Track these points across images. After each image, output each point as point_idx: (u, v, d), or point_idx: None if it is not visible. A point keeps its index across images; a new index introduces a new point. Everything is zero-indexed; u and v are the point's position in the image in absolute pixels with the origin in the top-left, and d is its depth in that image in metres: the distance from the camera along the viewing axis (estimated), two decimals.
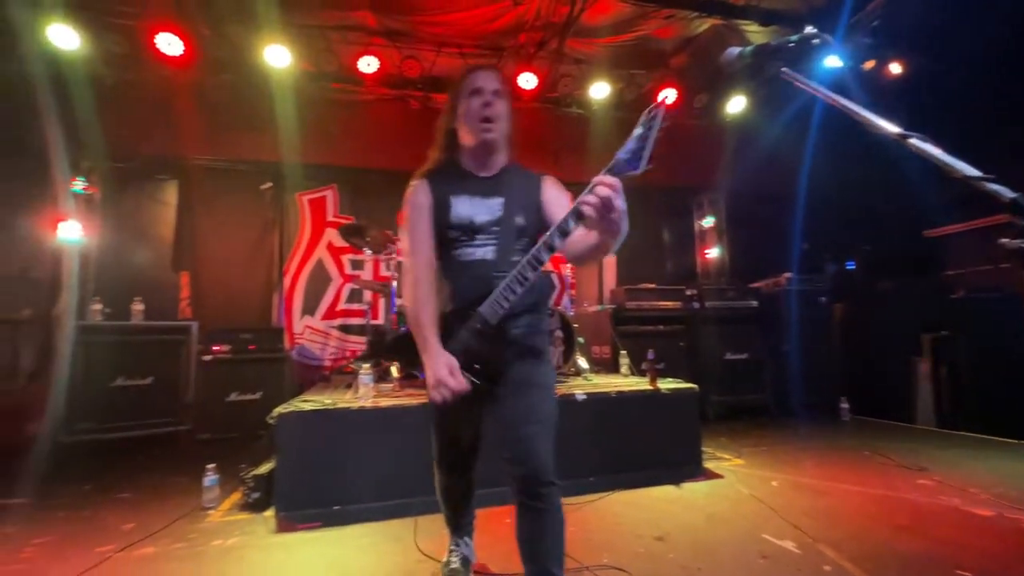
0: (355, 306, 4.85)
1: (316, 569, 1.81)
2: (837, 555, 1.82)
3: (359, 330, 4.74)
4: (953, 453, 3.21)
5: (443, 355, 1.24)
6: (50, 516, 2.33)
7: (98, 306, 3.67)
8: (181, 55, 3.88)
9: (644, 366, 3.16)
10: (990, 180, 0.66)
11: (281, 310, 4.65)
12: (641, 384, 3.00)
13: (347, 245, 4.20)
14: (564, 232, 1.11)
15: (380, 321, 4.31)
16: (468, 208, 1.36)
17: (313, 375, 4.48)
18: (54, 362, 3.42)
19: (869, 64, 4.54)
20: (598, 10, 3.99)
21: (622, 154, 1.04)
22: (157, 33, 3.78)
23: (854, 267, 5.52)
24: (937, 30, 4.20)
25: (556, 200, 1.40)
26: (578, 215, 1.07)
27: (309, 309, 4.78)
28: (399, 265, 3.34)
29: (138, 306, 3.79)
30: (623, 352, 3.76)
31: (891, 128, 0.81)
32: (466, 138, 1.41)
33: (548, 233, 1.15)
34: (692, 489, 2.63)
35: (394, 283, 3.34)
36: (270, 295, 4.68)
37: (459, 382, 1.21)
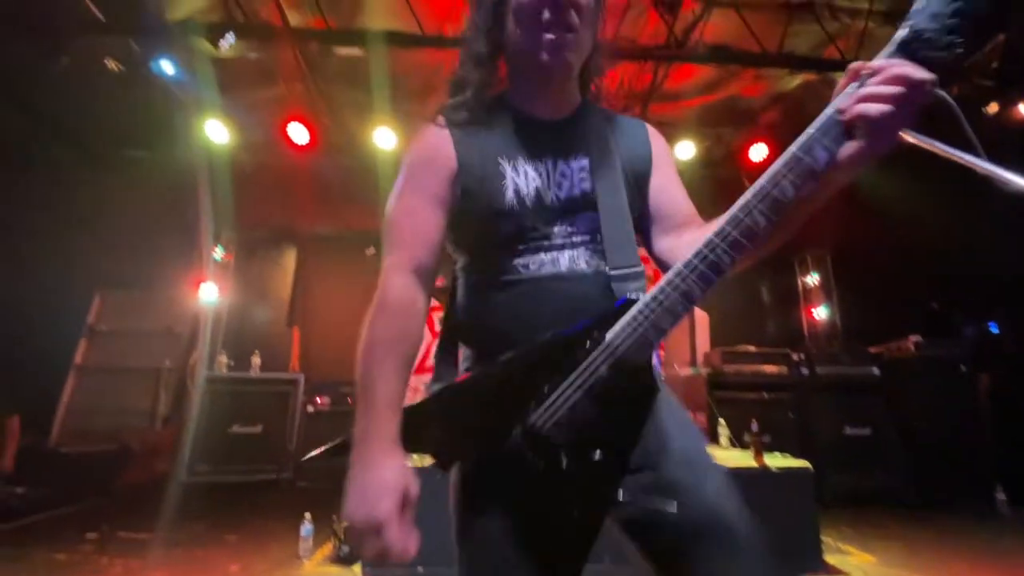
0: None
1: None
2: None
3: None
4: None
5: (393, 460, 0.69)
6: (169, 553, 2.55)
7: (224, 359, 4.13)
8: (307, 143, 4.49)
9: (747, 438, 2.90)
10: None
11: None
12: (745, 459, 2.73)
13: (438, 304, 4.41)
14: (812, 173, 0.64)
15: None
16: (532, 179, 0.82)
17: None
18: (186, 408, 3.85)
19: (992, 108, 4.13)
20: (682, 75, 4.07)
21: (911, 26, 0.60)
22: (289, 123, 4.43)
23: (998, 330, 4.78)
24: None
25: (668, 170, 0.90)
26: (845, 131, 0.63)
27: None
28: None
29: (256, 359, 4.21)
30: (721, 421, 3.49)
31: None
32: (520, 57, 0.85)
33: (776, 181, 0.64)
34: None
35: None
36: None
37: (406, 534, 0.68)
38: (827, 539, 2.85)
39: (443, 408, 0.78)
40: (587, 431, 0.69)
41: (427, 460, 0.78)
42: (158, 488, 3.53)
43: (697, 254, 0.65)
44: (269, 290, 5.16)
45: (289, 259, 5.26)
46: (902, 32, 0.60)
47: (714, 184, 5.01)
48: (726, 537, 0.70)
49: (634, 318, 0.68)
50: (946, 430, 3.94)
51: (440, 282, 0.90)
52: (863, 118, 0.61)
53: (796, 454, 2.86)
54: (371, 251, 4.91)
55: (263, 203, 4.97)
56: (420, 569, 2.20)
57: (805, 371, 4.40)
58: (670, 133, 4.94)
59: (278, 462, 3.91)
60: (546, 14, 0.77)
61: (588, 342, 0.71)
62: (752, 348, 4.57)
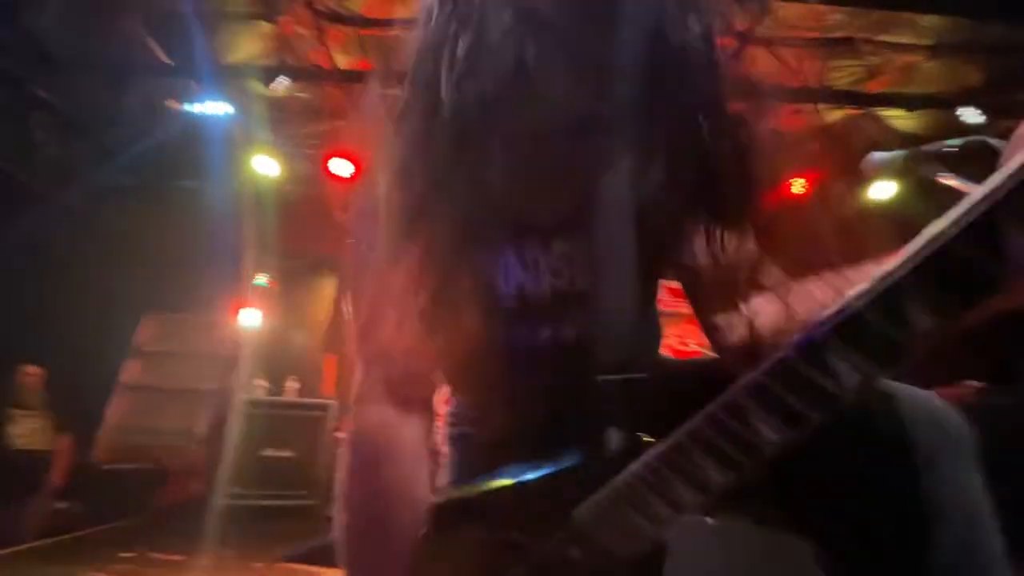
0: None
1: None
2: None
3: None
4: None
5: None
6: None
7: (262, 382, 4.24)
8: (350, 176, 4.67)
9: None
10: None
11: None
12: None
13: None
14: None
15: None
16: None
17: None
18: (223, 430, 3.95)
19: None
20: None
21: None
22: (332, 158, 4.63)
23: None
24: None
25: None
26: None
27: None
28: None
29: (292, 384, 4.30)
30: None
31: None
32: None
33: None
34: None
35: None
36: None
37: None
38: None
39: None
40: None
41: None
42: (192, 509, 3.59)
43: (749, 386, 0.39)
44: (308, 316, 5.31)
45: (328, 287, 5.42)
46: None
47: None
48: None
49: (616, 492, 0.45)
50: (1008, 487, 3.61)
51: None
52: None
53: None
54: None
55: (306, 233, 5.16)
56: None
57: None
58: None
59: (307, 488, 3.93)
60: None
61: (549, 506, 0.48)
62: None
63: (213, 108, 3.80)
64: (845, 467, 0.45)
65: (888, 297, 0.33)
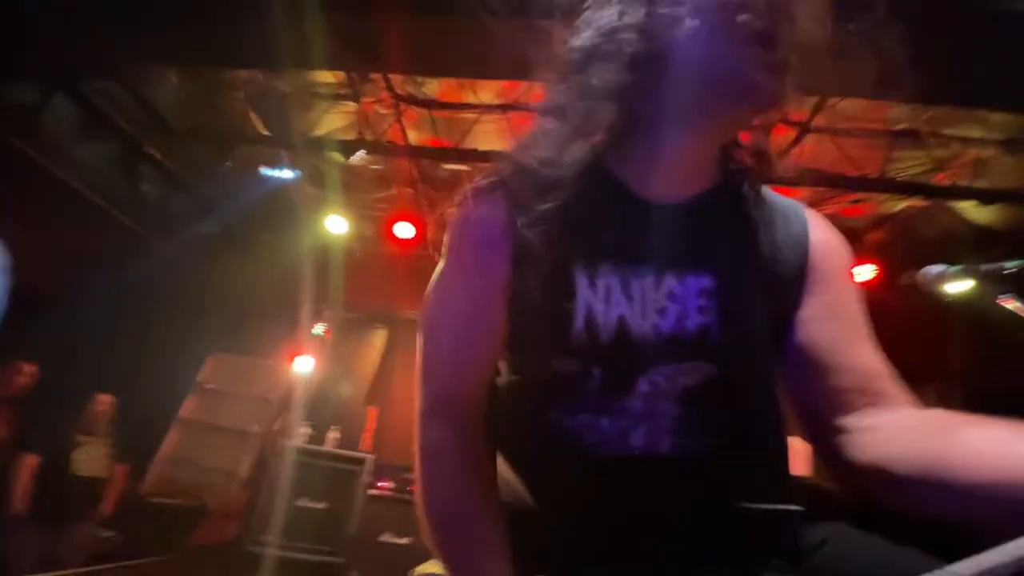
0: None
1: None
2: None
3: None
4: None
5: None
6: None
7: (306, 430, 4.34)
8: (411, 238, 4.96)
9: None
10: None
11: None
12: None
13: None
14: None
15: None
16: (618, 302, 0.55)
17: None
18: (264, 475, 4.03)
19: None
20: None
21: None
22: (397, 221, 4.94)
23: None
24: None
25: (834, 295, 0.58)
26: None
27: None
28: None
29: (334, 434, 4.38)
30: None
31: None
32: (695, 78, 0.52)
33: None
34: None
35: None
36: None
37: None
38: None
39: None
40: None
41: None
42: (224, 552, 3.63)
43: None
44: (355, 367, 5.46)
45: (379, 338, 5.60)
46: None
47: None
48: None
49: None
50: None
51: None
52: None
53: None
54: None
55: (367, 288, 5.44)
56: None
57: None
58: None
59: (334, 544, 3.89)
60: (756, 22, 0.47)
61: None
62: None
63: (297, 173, 4.22)
64: None
65: None
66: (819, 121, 3.33)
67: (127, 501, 3.80)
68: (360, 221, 5.08)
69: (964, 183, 3.60)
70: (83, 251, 4.17)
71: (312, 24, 2.67)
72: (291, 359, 4.95)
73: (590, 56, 0.54)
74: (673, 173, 0.57)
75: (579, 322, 0.53)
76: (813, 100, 3.12)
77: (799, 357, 0.56)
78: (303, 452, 4.11)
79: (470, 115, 3.68)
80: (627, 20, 0.52)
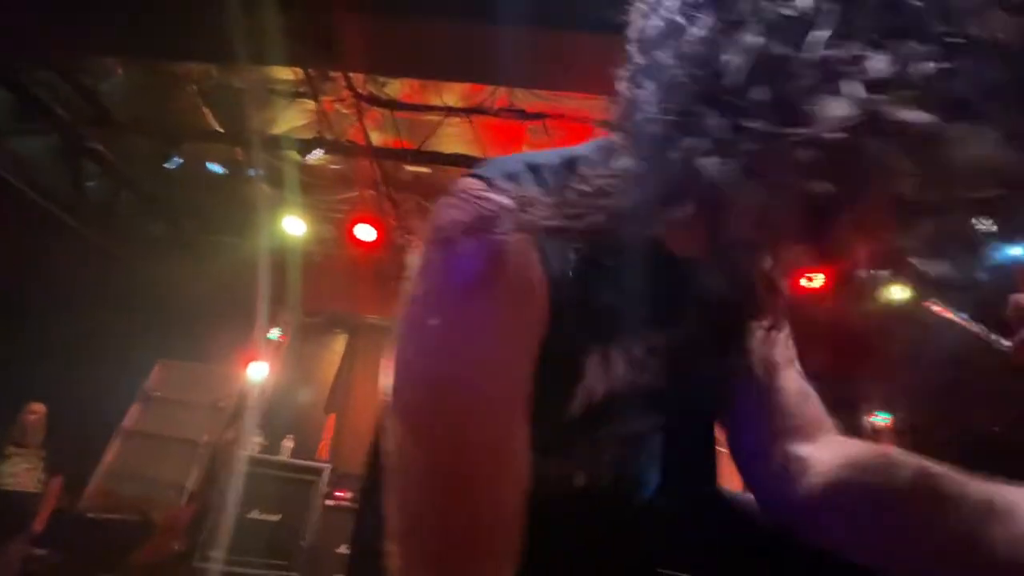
0: None
1: None
2: None
3: None
4: None
5: None
6: None
7: (258, 439, 4.18)
8: (372, 240, 4.85)
9: None
10: None
11: None
12: None
13: None
14: None
15: None
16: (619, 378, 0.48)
17: None
18: (214, 487, 3.86)
19: None
20: None
21: None
22: (358, 223, 4.83)
23: None
24: None
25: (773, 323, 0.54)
26: None
27: None
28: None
29: (288, 443, 4.23)
30: None
31: None
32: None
33: None
34: None
35: None
36: None
37: None
38: None
39: None
40: None
41: None
42: (170, 569, 3.45)
43: None
44: (314, 373, 5.30)
45: (339, 343, 5.45)
46: None
47: None
48: None
49: None
50: None
51: None
52: None
53: None
54: None
55: (326, 292, 5.30)
56: None
57: None
58: None
59: (288, 558, 3.76)
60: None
61: None
62: None
63: (253, 171, 4.06)
64: None
65: None
66: None
67: (63, 517, 3.58)
68: (320, 223, 4.95)
69: None
70: (19, 250, 3.90)
71: (267, 19, 2.59)
72: (245, 365, 4.76)
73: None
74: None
75: (576, 403, 0.45)
76: None
77: (734, 385, 0.55)
78: (256, 462, 3.96)
79: (435, 117, 3.63)
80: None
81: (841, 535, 0.44)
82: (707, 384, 0.52)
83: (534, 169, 0.47)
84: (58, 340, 4.04)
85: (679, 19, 0.36)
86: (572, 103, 3.32)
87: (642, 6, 0.41)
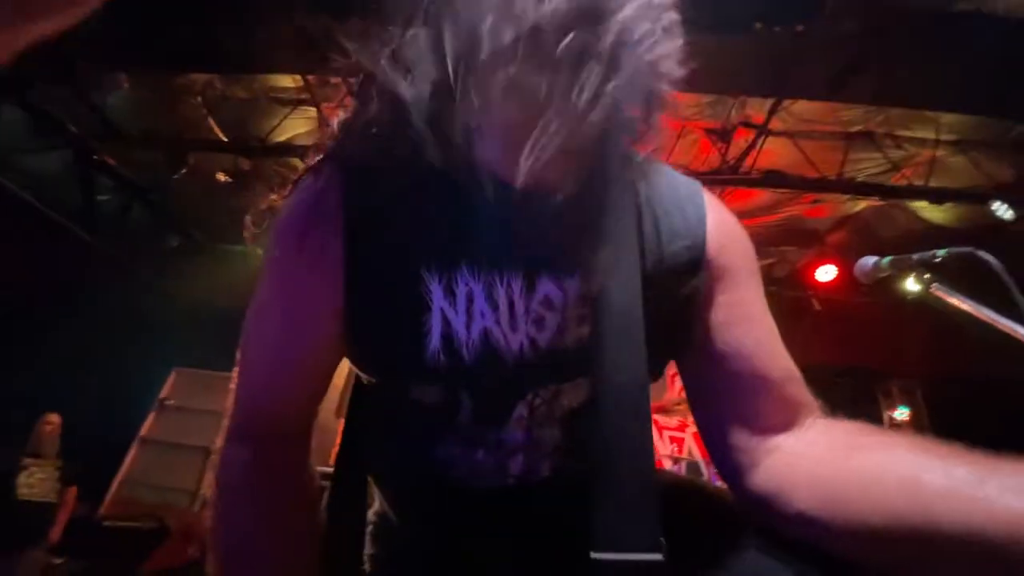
0: None
1: None
2: None
3: None
4: None
5: None
6: None
7: None
8: None
9: None
10: None
11: None
12: None
13: None
14: None
15: None
16: (480, 311, 0.45)
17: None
18: None
19: None
20: (737, 198, 4.10)
21: None
22: None
23: None
24: None
25: (742, 293, 0.52)
26: None
27: None
28: None
29: None
30: None
31: None
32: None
33: None
34: None
35: None
36: None
37: None
38: None
39: None
40: None
41: None
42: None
43: None
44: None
45: None
46: None
47: (779, 302, 4.80)
48: None
49: None
50: None
51: None
52: None
53: None
54: None
55: None
56: None
57: None
58: None
59: None
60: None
61: None
62: None
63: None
64: None
65: None
66: (776, 124, 3.39)
67: (80, 525, 3.63)
68: None
69: (920, 183, 3.70)
70: (35, 265, 4.00)
71: (271, 28, 2.62)
72: None
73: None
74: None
75: (434, 340, 0.44)
76: (768, 102, 3.18)
77: (706, 371, 0.48)
78: None
79: None
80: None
81: (810, 530, 0.41)
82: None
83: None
84: (73, 352, 4.12)
85: None
86: None
87: None
